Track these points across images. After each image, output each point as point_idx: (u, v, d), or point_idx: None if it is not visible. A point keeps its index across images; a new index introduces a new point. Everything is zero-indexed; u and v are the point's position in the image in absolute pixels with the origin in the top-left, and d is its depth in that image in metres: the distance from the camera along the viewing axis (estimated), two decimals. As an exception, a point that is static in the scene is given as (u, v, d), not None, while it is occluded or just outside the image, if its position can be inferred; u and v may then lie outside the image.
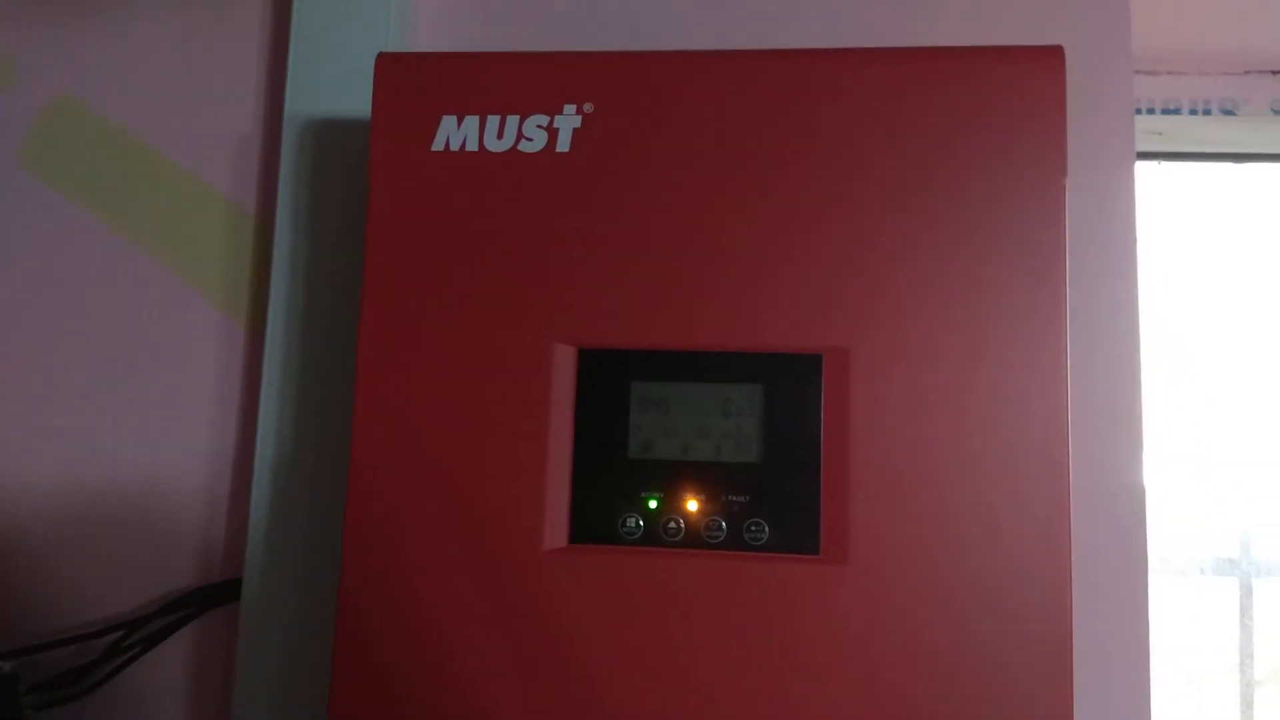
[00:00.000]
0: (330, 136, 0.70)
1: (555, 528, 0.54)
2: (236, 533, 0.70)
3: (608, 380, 0.55)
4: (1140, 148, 1.09)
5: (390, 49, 0.67)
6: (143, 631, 0.68)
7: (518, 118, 0.57)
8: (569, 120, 0.57)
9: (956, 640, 0.51)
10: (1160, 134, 1.09)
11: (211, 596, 0.69)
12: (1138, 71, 1.07)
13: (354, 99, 0.69)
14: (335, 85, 0.70)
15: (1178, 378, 1.15)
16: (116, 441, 0.72)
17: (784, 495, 0.53)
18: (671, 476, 0.54)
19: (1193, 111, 1.07)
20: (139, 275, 0.74)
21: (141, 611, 0.69)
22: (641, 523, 0.54)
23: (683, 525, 0.54)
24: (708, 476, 0.54)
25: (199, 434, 0.72)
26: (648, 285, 0.55)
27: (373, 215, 0.58)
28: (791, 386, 0.54)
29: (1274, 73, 1.08)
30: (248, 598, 0.66)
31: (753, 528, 0.53)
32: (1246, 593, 1.17)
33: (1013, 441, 0.52)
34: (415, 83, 0.59)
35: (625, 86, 0.57)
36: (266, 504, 0.67)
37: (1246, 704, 1.18)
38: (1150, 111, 1.07)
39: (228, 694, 0.68)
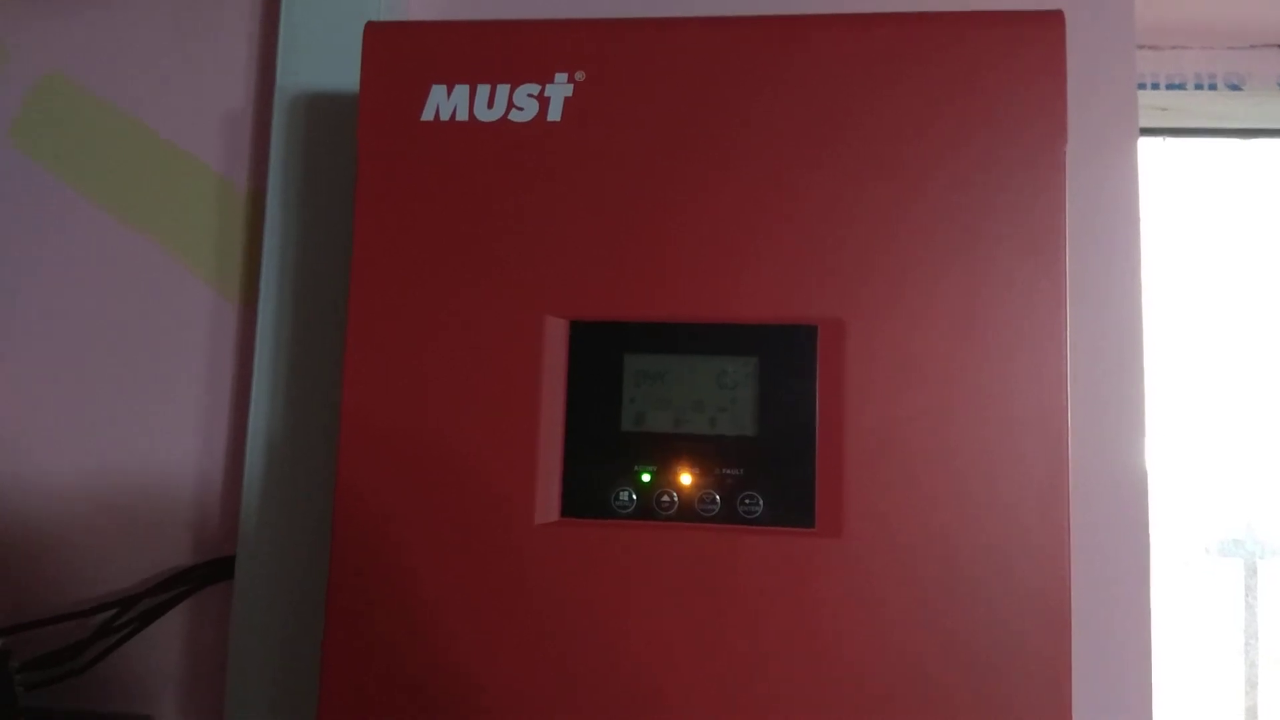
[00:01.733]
0: (322, 110, 0.69)
1: (547, 502, 0.53)
2: (230, 510, 0.70)
3: (600, 353, 0.55)
4: (1144, 124, 1.07)
5: (381, 19, 0.66)
6: (136, 609, 0.67)
7: (508, 87, 0.56)
8: (560, 89, 0.56)
9: (953, 614, 0.50)
10: (1165, 109, 1.07)
11: (205, 574, 0.68)
12: (1141, 46, 1.06)
13: (345, 72, 0.68)
14: (326, 58, 0.70)
15: (1183, 356, 1.13)
16: (108, 418, 0.72)
17: (779, 468, 0.53)
18: (665, 450, 0.54)
19: (1198, 86, 1.06)
20: (131, 253, 0.73)
21: (134, 590, 0.69)
22: (634, 496, 0.53)
23: (676, 499, 0.53)
24: (702, 449, 0.53)
25: (191, 410, 0.71)
26: (641, 256, 0.54)
27: (362, 187, 0.57)
28: (787, 358, 0.53)
29: (1281, 47, 1.07)
30: (241, 575, 0.66)
31: (747, 501, 0.53)
32: (1251, 573, 1.17)
33: (1010, 414, 0.51)
34: (404, 52, 0.58)
35: (617, 54, 0.56)
36: (259, 480, 0.66)
37: (1251, 685, 1.17)
38: (1155, 87, 1.06)
39: (221, 671, 0.68)
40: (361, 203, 0.57)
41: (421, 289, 0.55)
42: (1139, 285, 0.67)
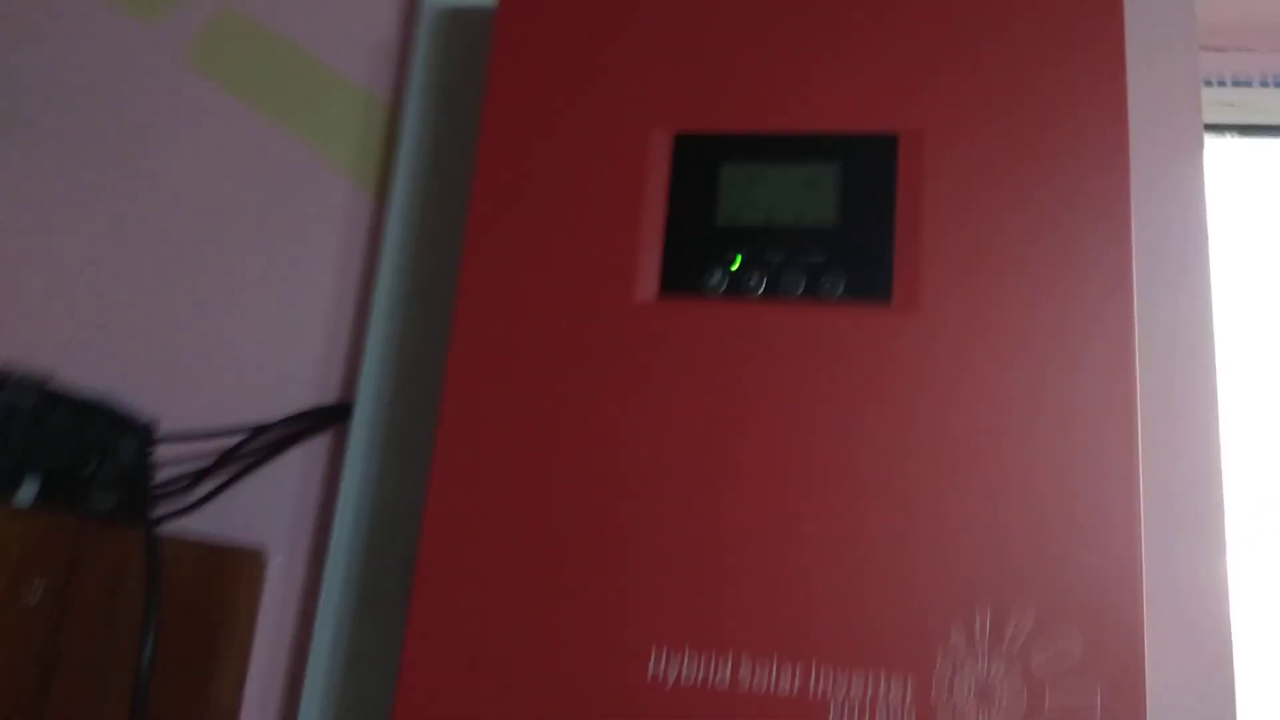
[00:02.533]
0: (464, 26, 0.79)
1: (646, 283, 0.59)
2: (352, 362, 0.76)
3: (699, 160, 0.61)
4: (1210, 119, 1.12)
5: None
6: (261, 439, 0.73)
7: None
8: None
9: (1023, 384, 0.54)
10: (1232, 105, 1.12)
11: (325, 416, 0.74)
12: (1205, 48, 1.12)
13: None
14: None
15: (1253, 354, 1.14)
16: (254, 279, 0.80)
17: (859, 253, 0.58)
18: (754, 239, 0.59)
19: (1263, 84, 1.11)
20: (284, 153, 0.83)
21: (261, 424, 0.75)
22: (726, 279, 0.58)
23: (764, 280, 0.58)
24: (788, 238, 0.59)
25: (326, 278, 0.79)
26: (738, 74, 0.61)
27: (494, 60, 0.65)
28: (869, 164, 0.59)
29: (1346, 51, 1.11)
30: (358, 419, 0.72)
31: (828, 282, 0.57)
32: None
33: (1075, 205, 0.56)
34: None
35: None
36: (381, 336, 0.73)
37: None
38: (1221, 84, 1.11)
39: (331, 511, 0.73)
40: (495, 60, 0.65)
41: (544, 114, 0.63)
42: (1209, 281, 0.68)
